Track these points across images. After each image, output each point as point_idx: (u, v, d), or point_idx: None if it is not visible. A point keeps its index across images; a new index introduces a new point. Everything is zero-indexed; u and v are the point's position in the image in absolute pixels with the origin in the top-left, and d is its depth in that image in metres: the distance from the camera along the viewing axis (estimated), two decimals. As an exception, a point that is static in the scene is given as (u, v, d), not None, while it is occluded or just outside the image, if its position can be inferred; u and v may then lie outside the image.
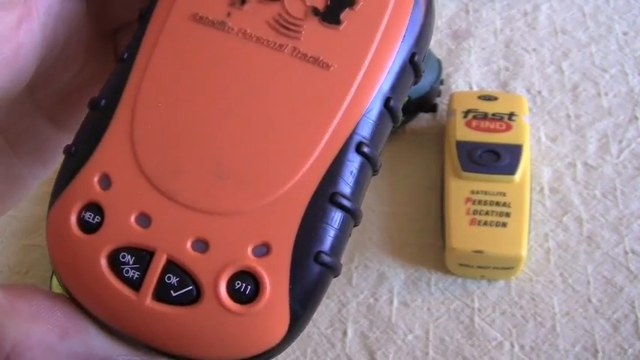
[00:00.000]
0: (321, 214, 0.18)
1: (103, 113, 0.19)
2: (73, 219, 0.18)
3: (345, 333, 0.41)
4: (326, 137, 0.18)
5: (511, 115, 0.46)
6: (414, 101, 0.47)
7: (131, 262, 0.17)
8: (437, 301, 0.42)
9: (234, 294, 0.17)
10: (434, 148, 0.49)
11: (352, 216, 0.19)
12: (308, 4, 0.19)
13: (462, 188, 0.43)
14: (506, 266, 0.41)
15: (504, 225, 0.41)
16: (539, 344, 0.40)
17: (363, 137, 0.19)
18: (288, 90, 0.19)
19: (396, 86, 0.19)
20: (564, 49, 0.54)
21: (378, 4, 0.19)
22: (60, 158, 0.21)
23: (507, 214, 0.41)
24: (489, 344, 0.40)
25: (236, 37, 0.19)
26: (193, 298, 0.17)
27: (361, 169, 0.19)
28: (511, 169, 0.43)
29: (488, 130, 0.45)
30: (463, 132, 0.45)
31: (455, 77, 0.53)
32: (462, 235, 0.41)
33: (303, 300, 0.18)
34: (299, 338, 0.19)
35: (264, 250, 0.18)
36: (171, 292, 0.17)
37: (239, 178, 0.18)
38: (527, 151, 0.44)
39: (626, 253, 0.43)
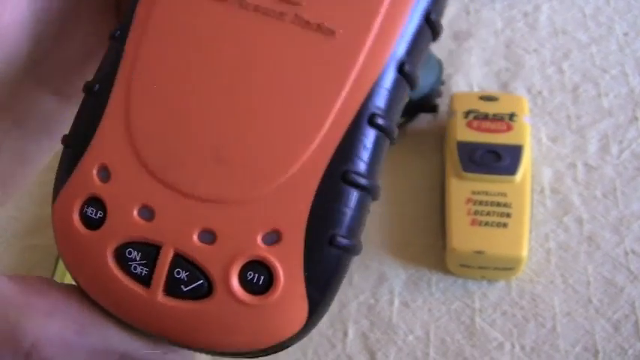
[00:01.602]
0: (334, 194, 0.17)
1: (97, 99, 0.18)
2: (76, 215, 0.17)
3: (345, 333, 0.41)
4: (335, 111, 0.17)
5: (512, 115, 0.46)
6: (415, 102, 0.47)
7: (138, 258, 0.17)
8: (438, 302, 0.42)
9: (247, 285, 0.16)
10: (435, 149, 0.49)
11: (369, 193, 0.17)
12: None
13: (462, 189, 0.43)
14: (506, 267, 0.41)
15: (505, 225, 0.41)
16: (539, 345, 0.40)
17: (377, 108, 0.17)
18: (291, 61, 0.17)
19: (412, 49, 0.18)
20: (565, 50, 0.54)
21: None
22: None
23: (508, 215, 0.42)
24: (490, 345, 0.40)
25: (233, 6, 0.18)
26: (205, 291, 0.16)
27: (377, 143, 0.17)
28: (512, 169, 0.43)
29: (488, 130, 0.45)
30: (464, 132, 0.45)
31: (455, 78, 0.53)
32: (463, 235, 0.41)
33: (322, 285, 0.17)
34: None
35: (274, 237, 0.17)
36: (182, 286, 0.17)
37: (243, 162, 0.17)
38: (527, 152, 0.44)
39: (626, 253, 0.43)
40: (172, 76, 0.17)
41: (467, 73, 0.53)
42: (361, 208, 0.17)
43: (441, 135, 0.49)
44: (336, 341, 0.41)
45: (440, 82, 0.49)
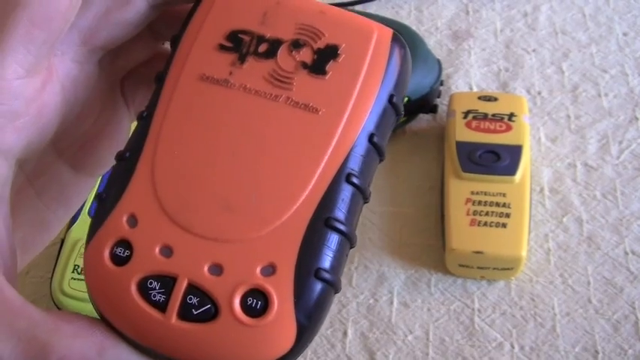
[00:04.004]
0: (319, 236, 0.21)
1: (128, 163, 0.22)
2: (106, 254, 0.21)
3: (345, 333, 0.41)
4: (319, 171, 0.21)
5: (511, 115, 0.46)
6: (415, 102, 0.47)
7: (157, 288, 0.20)
8: (437, 302, 0.42)
9: (247, 309, 0.20)
10: (434, 149, 0.49)
11: (347, 238, 0.21)
12: (298, 59, 0.22)
13: (462, 189, 0.43)
14: (506, 267, 0.41)
15: (504, 226, 0.41)
16: (539, 345, 0.40)
17: (352, 169, 0.21)
18: (284, 133, 0.22)
19: (379, 124, 0.22)
20: (564, 50, 0.54)
21: (358, 55, 0.22)
22: (81, 201, 0.27)
23: (507, 215, 0.42)
24: (489, 345, 0.40)
25: (238, 91, 0.22)
26: (212, 315, 0.20)
27: (352, 198, 0.21)
28: (511, 169, 0.43)
29: (488, 130, 0.45)
30: (463, 132, 0.45)
31: (455, 78, 0.53)
32: (462, 235, 0.41)
33: (308, 312, 0.20)
34: None
35: (270, 269, 0.20)
36: (193, 310, 0.20)
37: (246, 210, 0.21)
38: (527, 152, 0.44)
39: (626, 253, 0.43)
40: (189, 145, 0.22)
41: (466, 73, 0.53)
42: (341, 249, 0.21)
43: (440, 135, 0.49)
44: (335, 341, 0.41)
45: (439, 82, 0.49)
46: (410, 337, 0.41)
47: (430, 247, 0.44)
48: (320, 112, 0.22)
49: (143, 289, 0.20)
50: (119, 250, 0.21)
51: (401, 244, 0.44)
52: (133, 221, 0.21)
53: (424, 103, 0.48)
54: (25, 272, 0.44)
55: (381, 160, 0.23)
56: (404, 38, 0.23)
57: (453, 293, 0.42)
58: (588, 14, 0.56)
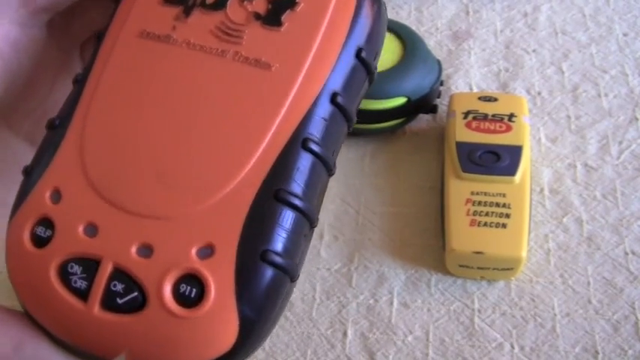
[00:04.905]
0: (267, 211, 0.17)
1: (57, 132, 0.19)
2: (26, 235, 0.18)
3: (345, 334, 0.41)
4: (269, 135, 0.18)
5: (511, 116, 0.46)
6: (414, 102, 0.47)
7: (79, 272, 0.17)
8: (437, 302, 0.42)
9: (180, 298, 0.17)
10: (434, 149, 0.49)
11: (303, 215, 0.18)
12: (250, 9, 0.19)
13: (462, 189, 0.43)
14: (506, 267, 0.41)
15: (504, 226, 0.41)
16: (539, 345, 0.40)
17: (310, 134, 0.18)
18: (230, 93, 0.19)
19: (345, 83, 0.19)
20: (564, 50, 0.54)
21: (319, 5, 0.19)
22: None
23: (507, 215, 0.41)
24: (489, 345, 0.40)
25: (180, 48, 0.19)
26: (139, 304, 0.17)
27: (312, 168, 0.18)
28: (511, 170, 0.43)
29: (488, 131, 0.45)
30: (463, 133, 0.45)
31: (455, 78, 0.53)
32: (462, 236, 0.41)
33: (254, 303, 0.17)
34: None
35: (208, 251, 0.17)
36: (117, 299, 0.17)
37: (181, 182, 0.18)
38: (527, 152, 0.44)
39: (626, 254, 0.43)
40: (123, 110, 0.19)
41: (466, 73, 0.53)
42: (297, 230, 0.18)
43: (440, 135, 0.49)
44: (335, 341, 0.41)
45: (439, 82, 0.49)
46: (410, 338, 0.41)
47: (430, 248, 0.44)
48: (273, 68, 0.19)
49: (64, 274, 0.17)
50: (40, 230, 0.18)
51: (401, 245, 0.44)
52: (56, 196, 0.18)
53: (424, 104, 0.48)
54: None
55: (349, 128, 0.20)
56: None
57: (453, 293, 0.42)
58: (588, 14, 0.56)
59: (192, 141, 0.18)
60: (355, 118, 0.20)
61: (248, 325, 0.17)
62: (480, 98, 0.47)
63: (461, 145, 0.44)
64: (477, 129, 0.45)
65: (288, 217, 0.18)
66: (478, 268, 0.41)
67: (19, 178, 0.22)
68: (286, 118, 0.18)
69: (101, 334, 0.17)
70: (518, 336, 0.40)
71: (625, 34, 0.55)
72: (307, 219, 0.18)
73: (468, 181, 0.43)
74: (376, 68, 0.20)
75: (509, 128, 0.45)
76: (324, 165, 0.19)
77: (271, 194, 0.18)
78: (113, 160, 0.18)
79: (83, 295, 0.17)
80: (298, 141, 0.18)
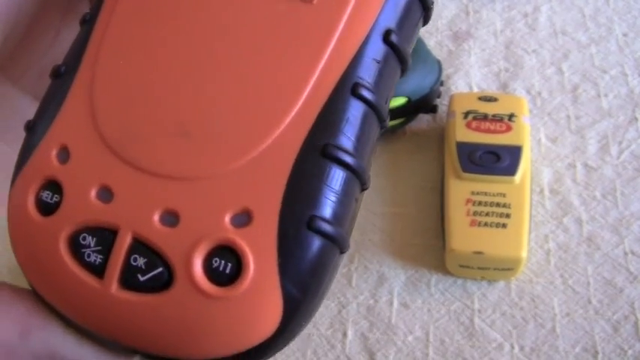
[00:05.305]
0: (313, 170, 0.15)
1: (63, 81, 0.17)
2: (31, 200, 0.16)
3: (345, 334, 0.41)
4: (312, 81, 0.15)
5: (511, 116, 0.46)
6: (414, 102, 0.47)
7: (93, 245, 0.15)
8: (437, 302, 0.42)
9: (212, 274, 0.14)
10: (434, 149, 0.49)
11: (355, 175, 0.15)
12: None
13: (462, 189, 0.43)
14: (506, 267, 0.41)
15: (504, 226, 0.41)
16: (539, 345, 0.40)
17: (361, 78, 0.15)
18: (265, 31, 0.16)
19: (399, 19, 0.16)
20: (564, 51, 0.54)
21: None
22: None
23: (507, 215, 0.41)
24: (489, 345, 0.40)
25: None
26: (165, 281, 0.14)
27: (363, 119, 0.15)
28: (511, 170, 0.43)
29: (488, 131, 0.45)
30: (463, 133, 0.45)
31: (455, 78, 0.53)
32: (462, 236, 0.41)
33: (300, 279, 0.14)
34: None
35: (244, 218, 0.14)
36: (139, 276, 0.14)
37: (210, 136, 0.15)
38: (527, 152, 0.44)
39: (626, 254, 0.43)
40: (138, 54, 0.16)
41: (466, 73, 0.53)
42: (347, 191, 0.15)
43: (440, 135, 0.49)
44: (335, 342, 0.41)
45: (439, 82, 0.49)
46: (410, 338, 0.41)
47: (430, 248, 0.44)
48: (315, 1, 0.16)
49: (75, 246, 0.15)
50: (46, 195, 0.15)
51: (401, 245, 0.44)
52: (64, 155, 0.16)
53: (424, 104, 0.48)
54: (25, 272, 0.44)
55: (403, 72, 0.17)
56: None
57: (453, 294, 0.42)
58: (588, 15, 0.56)
59: (221, 88, 0.15)
60: (410, 62, 0.17)
61: (293, 305, 0.14)
62: (480, 98, 0.47)
63: (461, 145, 0.44)
64: (477, 129, 0.45)
65: (337, 177, 0.15)
66: (478, 268, 0.41)
67: (23, 136, 0.20)
68: (333, 59, 0.15)
69: (120, 317, 0.15)
70: (518, 336, 0.40)
71: (625, 35, 0.55)
72: (359, 179, 0.15)
73: (468, 181, 0.43)
74: (433, 3, 0.18)
75: (509, 128, 0.45)
76: (377, 115, 0.16)
77: (317, 150, 0.15)
78: (128, 112, 0.16)
79: (98, 271, 0.15)
80: (347, 87, 0.15)
